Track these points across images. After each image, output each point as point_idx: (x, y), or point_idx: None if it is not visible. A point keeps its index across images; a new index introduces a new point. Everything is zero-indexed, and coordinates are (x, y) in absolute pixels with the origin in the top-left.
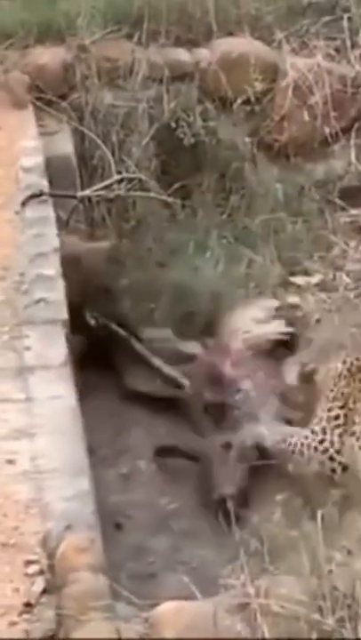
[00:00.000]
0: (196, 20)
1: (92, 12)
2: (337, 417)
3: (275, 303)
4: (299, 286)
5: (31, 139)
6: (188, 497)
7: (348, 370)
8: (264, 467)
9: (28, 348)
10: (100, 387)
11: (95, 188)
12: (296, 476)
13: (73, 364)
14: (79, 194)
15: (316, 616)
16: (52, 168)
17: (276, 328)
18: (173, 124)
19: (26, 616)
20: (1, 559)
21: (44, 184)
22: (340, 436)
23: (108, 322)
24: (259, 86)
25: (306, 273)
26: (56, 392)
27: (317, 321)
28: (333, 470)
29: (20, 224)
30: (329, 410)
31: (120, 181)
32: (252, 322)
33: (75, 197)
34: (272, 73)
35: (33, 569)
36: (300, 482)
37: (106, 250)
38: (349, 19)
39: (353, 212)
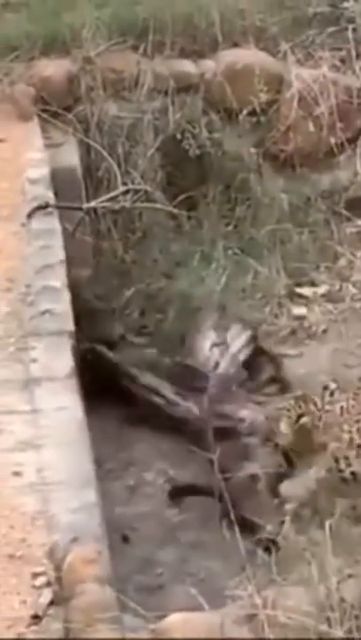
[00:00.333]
0: (202, 32)
1: (97, 24)
2: None
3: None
4: (305, 297)
5: (37, 151)
6: (194, 509)
7: None
8: None
9: (34, 360)
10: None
11: (101, 199)
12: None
13: (79, 376)
14: (85, 205)
15: (324, 627)
16: (58, 180)
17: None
18: (179, 136)
19: (33, 628)
20: (8, 571)
21: (49, 196)
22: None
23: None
24: (264, 97)
25: (312, 284)
26: (62, 403)
27: (324, 331)
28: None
29: (26, 236)
30: None
31: (126, 193)
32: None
33: (81, 209)
34: (277, 84)
35: (40, 581)
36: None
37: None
38: (354, 29)
39: (359, 222)
